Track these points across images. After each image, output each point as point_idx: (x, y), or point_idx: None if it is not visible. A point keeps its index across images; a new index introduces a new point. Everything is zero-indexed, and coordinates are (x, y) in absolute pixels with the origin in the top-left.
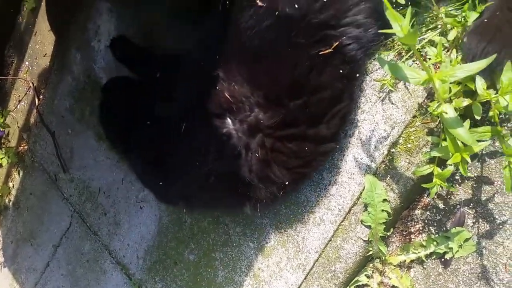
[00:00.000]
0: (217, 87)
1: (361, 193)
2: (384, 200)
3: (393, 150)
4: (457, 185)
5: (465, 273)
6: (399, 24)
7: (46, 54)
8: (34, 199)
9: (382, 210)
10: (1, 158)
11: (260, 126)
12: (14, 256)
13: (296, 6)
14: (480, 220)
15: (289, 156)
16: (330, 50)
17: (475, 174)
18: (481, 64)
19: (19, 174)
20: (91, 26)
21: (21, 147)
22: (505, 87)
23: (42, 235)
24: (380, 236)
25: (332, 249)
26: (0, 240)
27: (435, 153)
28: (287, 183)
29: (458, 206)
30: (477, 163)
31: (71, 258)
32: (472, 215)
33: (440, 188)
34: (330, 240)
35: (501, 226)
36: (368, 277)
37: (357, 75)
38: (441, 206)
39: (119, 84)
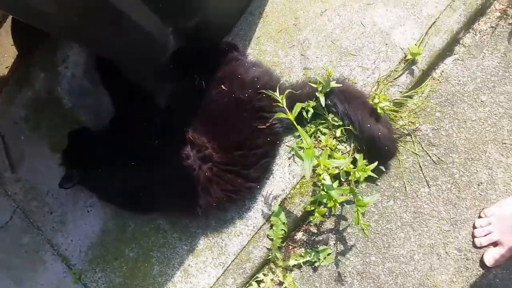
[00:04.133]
0: (186, 130)
1: (269, 217)
2: (283, 223)
3: (292, 191)
4: (326, 219)
5: (326, 276)
6: (306, 142)
7: (6, 66)
8: None
9: (282, 229)
10: None
11: (212, 159)
12: None
13: (246, 95)
14: (338, 242)
15: (225, 182)
16: (264, 126)
17: (337, 213)
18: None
19: None
20: (60, 54)
21: None
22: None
23: None
24: (277, 246)
25: (245, 253)
26: None
27: (317, 197)
28: (223, 198)
29: (325, 232)
30: (339, 207)
31: (6, 249)
32: (333, 239)
33: (318, 220)
34: (244, 247)
35: (349, 248)
36: (264, 275)
37: (278, 142)
38: (314, 231)
39: (83, 135)
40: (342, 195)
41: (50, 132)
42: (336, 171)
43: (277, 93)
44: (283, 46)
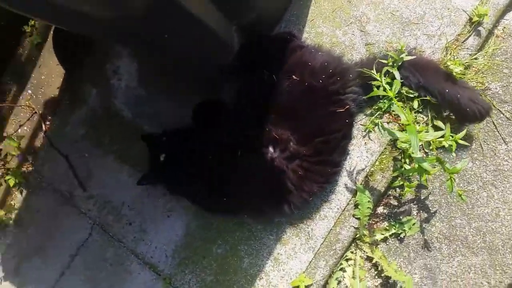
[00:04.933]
0: (267, 128)
1: (352, 197)
2: (369, 201)
3: (372, 168)
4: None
5: (413, 245)
6: (406, 118)
7: (57, 86)
8: (41, 216)
9: (367, 207)
10: (9, 179)
11: (298, 155)
12: (17, 269)
13: (320, 81)
14: (421, 211)
15: (316, 174)
16: (343, 110)
17: (416, 182)
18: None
19: (21, 193)
20: (110, 66)
21: (25, 168)
22: None
23: (54, 248)
24: (364, 224)
25: (333, 235)
26: None
27: (404, 172)
28: (315, 191)
29: (407, 203)
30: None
31: (91, 265)
32: (416, 208)
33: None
34: (331, 229)
35: (433, 214)
36: (352, 253)
37: (354, 122)
38: (395, 203)
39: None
40: (434, 166)
41: (113, 145)
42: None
43: (373, 71)
44: (340, 25)
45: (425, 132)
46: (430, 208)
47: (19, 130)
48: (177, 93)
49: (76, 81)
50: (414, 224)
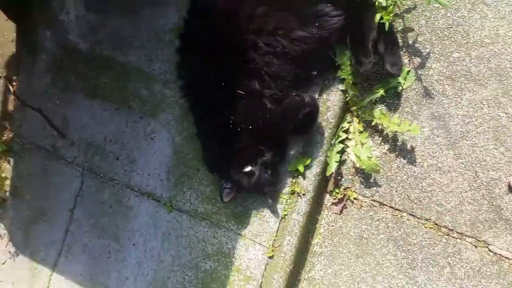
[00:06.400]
0: None
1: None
2: (350, 57)
3: None
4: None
5: (414, 97)
6: None
7: (12, 40)
8: (34, 179)
9: (350, 65)
10: None
11: None
12: (26, 240)
13: None
14: (412, 57)
15: None
16: None
17: (400, 28)
18: None
19: (9, 163)
20: (55, 2)
21: (5, 137)
22: None
23: (53, 207)
24: (351, 83)
25: (321, 103)
26: (5, 233)
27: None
28: None
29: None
30: (399, 20)
31: (91, 213)
32: (407, 55)
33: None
34: (318, 98)
35: (427, 56)
36: (348, 122)
37: None
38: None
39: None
40: None
41: (80, 82)
42: None
43: None
44: None
45: None
46: (422, 51)
47: None
48: (128, 2)
49: (28, 30)
50: (408, 72)
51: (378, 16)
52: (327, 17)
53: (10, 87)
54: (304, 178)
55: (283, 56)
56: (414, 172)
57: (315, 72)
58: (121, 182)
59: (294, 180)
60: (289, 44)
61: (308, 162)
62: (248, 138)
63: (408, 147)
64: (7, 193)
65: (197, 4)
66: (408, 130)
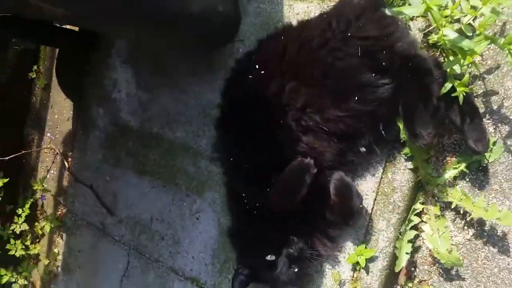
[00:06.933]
0: None
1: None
2: None
3: None
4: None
5: (503, 171)
6: None
7: (68, 118)
8: (83, 255)
9: None
10: (44, 225)
11: None
12: None
13: None
14: (499, 125)
15: None
16: None
17: (481, 91)
18: None
19: (62, 238)
20: (107, 81)
21: (59, 212)
22: None
23: (101, 286)
24: (423, 160)
25: (386, 184)
26: None
27: (448, 64)
28: None
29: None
30: (479, 82)
31: None
32: (491, 123)
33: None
34: (381, 178)
35: None
36: (422, 203)
37: None
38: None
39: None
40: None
41: (130, 159)
42: (455, 27)
43: None
44: None
45: None
46: (510, 117)
47: (48, 175)
48: (176, 79)
49: (83, 108)
50: (495, 143)
51: (448, 86)
52: (371, 88)
53: (66, 163)
54: (367, 273)
55: (318, 131)
56: (508, 264)
57: (364, 149)
58: (165, 264)
59: (355, 275)
60: (323, 123)
61: (372, 253)
62: (280, 224)
63: (499, 233)
64: (59, 269)
65: (230, 83)
66: (498, 219)
